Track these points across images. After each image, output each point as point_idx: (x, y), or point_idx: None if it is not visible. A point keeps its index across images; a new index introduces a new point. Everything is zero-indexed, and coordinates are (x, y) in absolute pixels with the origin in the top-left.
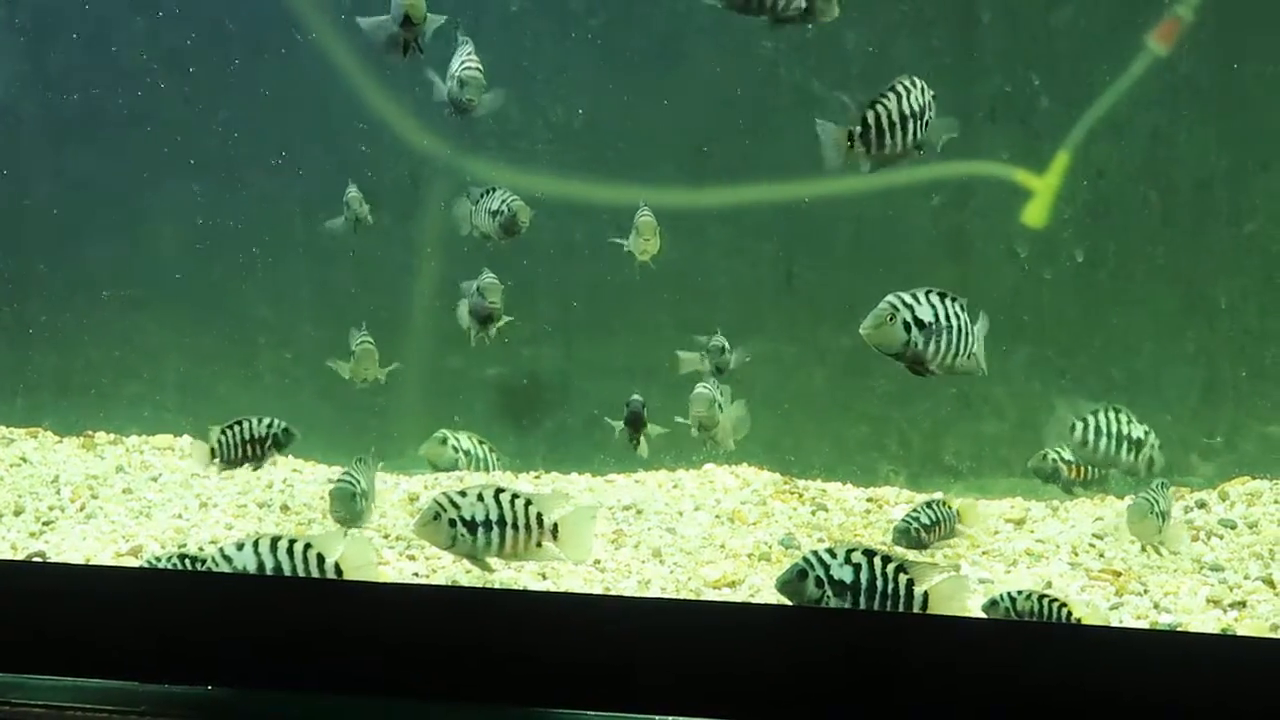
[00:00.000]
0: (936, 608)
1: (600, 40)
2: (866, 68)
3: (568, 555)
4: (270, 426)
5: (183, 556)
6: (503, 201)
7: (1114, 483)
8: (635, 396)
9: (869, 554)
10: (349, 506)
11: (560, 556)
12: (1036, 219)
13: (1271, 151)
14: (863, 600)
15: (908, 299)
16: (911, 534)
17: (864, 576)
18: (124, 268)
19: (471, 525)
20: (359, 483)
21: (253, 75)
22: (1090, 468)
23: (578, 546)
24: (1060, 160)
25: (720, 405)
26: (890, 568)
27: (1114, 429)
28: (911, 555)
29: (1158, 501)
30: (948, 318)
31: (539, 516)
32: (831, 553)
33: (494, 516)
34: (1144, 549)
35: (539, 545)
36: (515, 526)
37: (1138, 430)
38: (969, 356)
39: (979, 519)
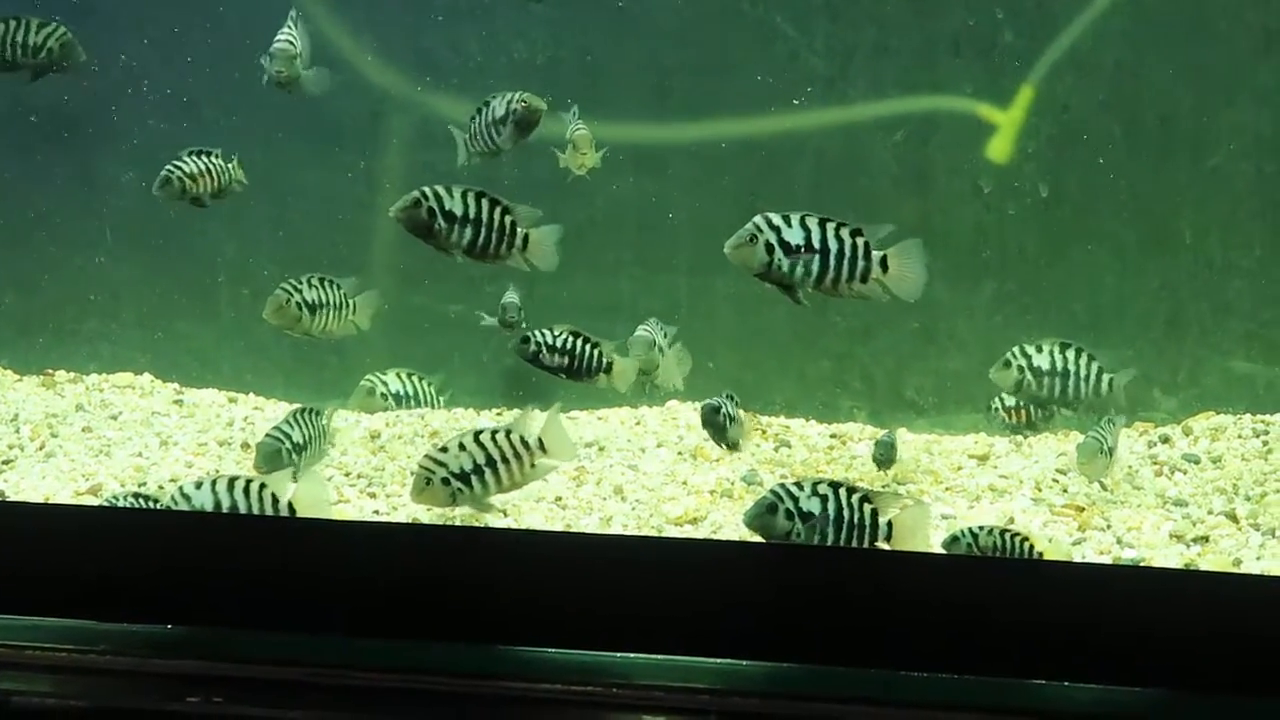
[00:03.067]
0: (900, 537)
1: None
2: (831, 2)
3: (559, 459)
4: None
5: (137, 496)
6: (507, 103)
7: (1075, 419)
8: (712, 402)
9: (834, 485)
10: (272, 462)
11: (555, 465)
12: (1000, 154)
13: (1236, 85)
14: (830, 531)
15: (776, 220)
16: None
17: (831, 507)
18: (81, 205)
19: (464, 476)
20: (288, 437)
21: (213, 11)
22: (1037, 408)
23: (565, 448)
24: (1024, 95)
25: (660, 348)
26: (855, 498)
27: (1057, 365)
28: (876, 486)
29: (1105, 439)
30: (824, 242)
31: (523, 440)
32: (799, 485)
33: (482, 460)
34: (1090, 483)
35: (533, 466)
36: (506, 459)
37: (1084, 364)
38: (859, 282)
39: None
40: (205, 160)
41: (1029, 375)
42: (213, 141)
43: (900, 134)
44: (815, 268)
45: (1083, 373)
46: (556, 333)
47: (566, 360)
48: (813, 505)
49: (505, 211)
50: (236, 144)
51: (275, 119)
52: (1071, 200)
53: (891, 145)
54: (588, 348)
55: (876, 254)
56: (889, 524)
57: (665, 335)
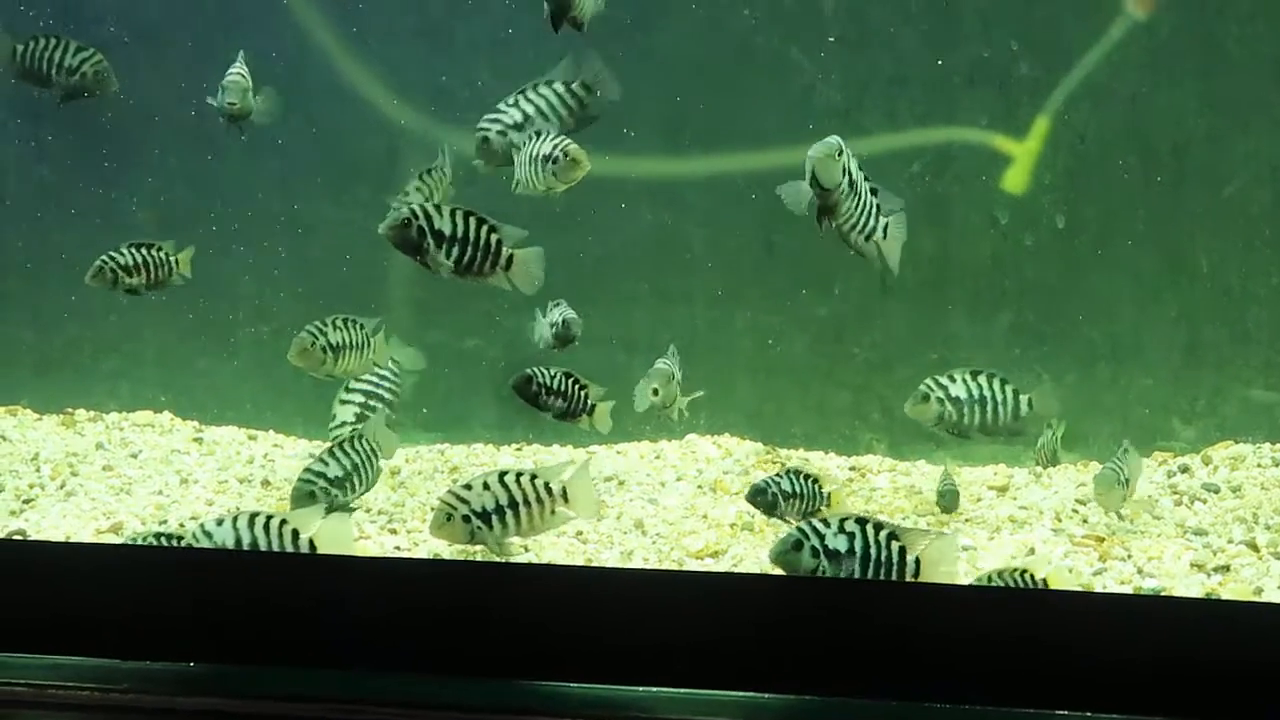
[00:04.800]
0: (929, 572)
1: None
2: (845, 34)
3: (581, 514)
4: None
5: (159, 535)
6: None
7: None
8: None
9: (861, 522)
10: (302, 505)
11: (574, 517)
12: (1016, 185)
13: (1251, 113)
14: (857, 569)
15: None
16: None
17: (858, 545)
18: (100, 243)
19: (485, 515)
20: (320, 477)
21: (228, 49)
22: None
23: (589, 503)
24: (1040, 125)
25: (679, 382)
26: (883, 535)
27: (974, 393)
28: (900, 521)
29: (1122, 469)
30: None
31: (546, 486)
32: (825, 522)
33: (504, 501)
34: (1107, 514)
35: (553, 514)
36: (528, 503)
37: (999, 389)
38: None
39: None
40: (144, 253)
41: (949, 406)
42: (234, 178)
43: (916, 165)
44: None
45: (999, 397)
46: (552, 374)
47: (561, 402)
48: (839, 543)
49: (492, 230)
50: (256, 181)
51: (294, 155)
52: (1088, 230)
53: (908, 177)
54: (578, 389)
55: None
56: (916, 560)
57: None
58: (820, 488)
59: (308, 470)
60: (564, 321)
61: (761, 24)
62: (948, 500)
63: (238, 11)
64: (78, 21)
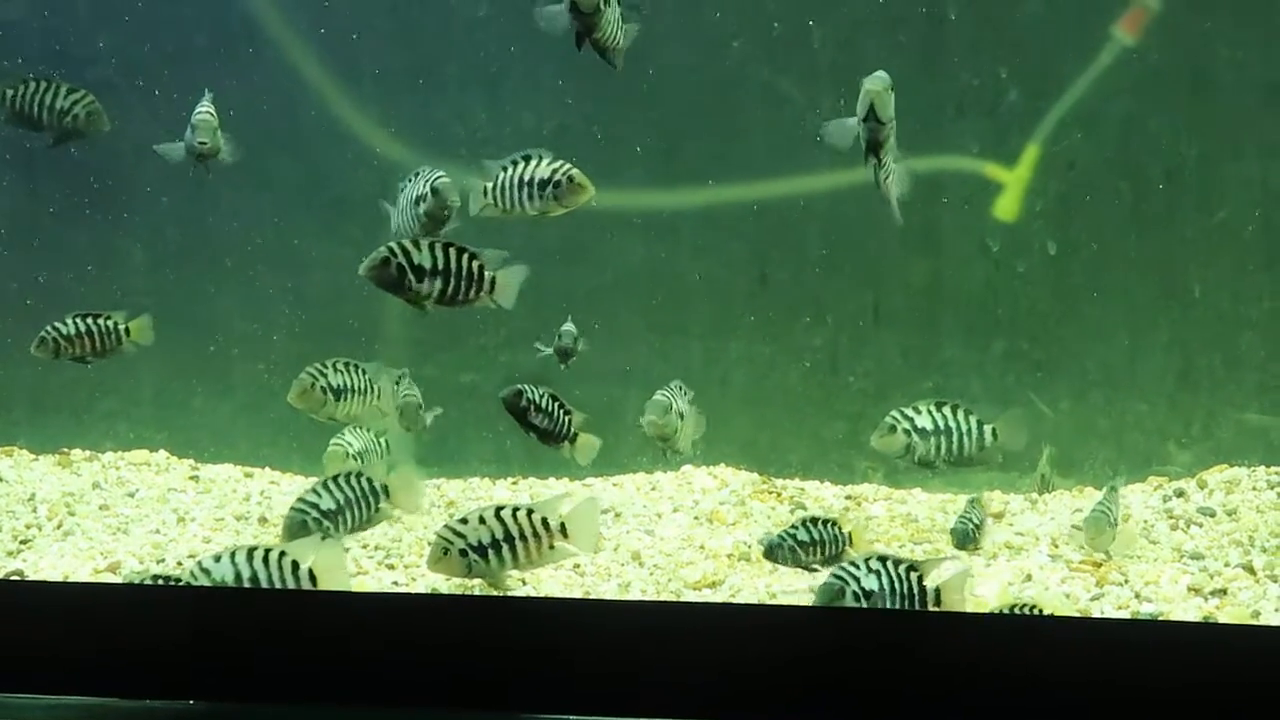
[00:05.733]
0: (948, 600)
1: (566, 43)
2: (834, 65)
3: (580, 549)
4: None
5: (155, 578)
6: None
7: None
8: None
9: (883, 560)
10: (295, 534)
11: (574, 553)
12: (1008, 212)
13: (1241, 138)
14: (888, 603)
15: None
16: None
17: (885, 582)
18: (94, 283)
19: (482, 549)
20: (314, 508)
21: (221, 88)
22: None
23: (587, 538)
24: (1030, 153)
25: (680, 413)
26: (903, 569)
27: (939, 424)
28: (899, 549)
29: (1110, 510)
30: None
31: (544, 521)
32: (854, 563)
33: (500, 535)
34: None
35: (551, 548)
36: (524, 537)
37: (963, 419)
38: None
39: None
40: (89, 322)
41: (915, 438)
42: (224, 215)
43: (908, 194)
44: None
45: (964, 427)
46: (541, 393)
47: (547, 423)
48: (871, 582)
49: (473, 258)
50: (247, 217)
51: (285, 192)
52: (1080, 257)
53: (899, 205)
54: (563, 414)
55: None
56: (936, 590)
57: (686, 397)
58: (839, 529)
59: (301, 500)
60: (560, 334)
61: (751, 55)
62: (974, 535)
63: (228, 50)
64: (69, 64)
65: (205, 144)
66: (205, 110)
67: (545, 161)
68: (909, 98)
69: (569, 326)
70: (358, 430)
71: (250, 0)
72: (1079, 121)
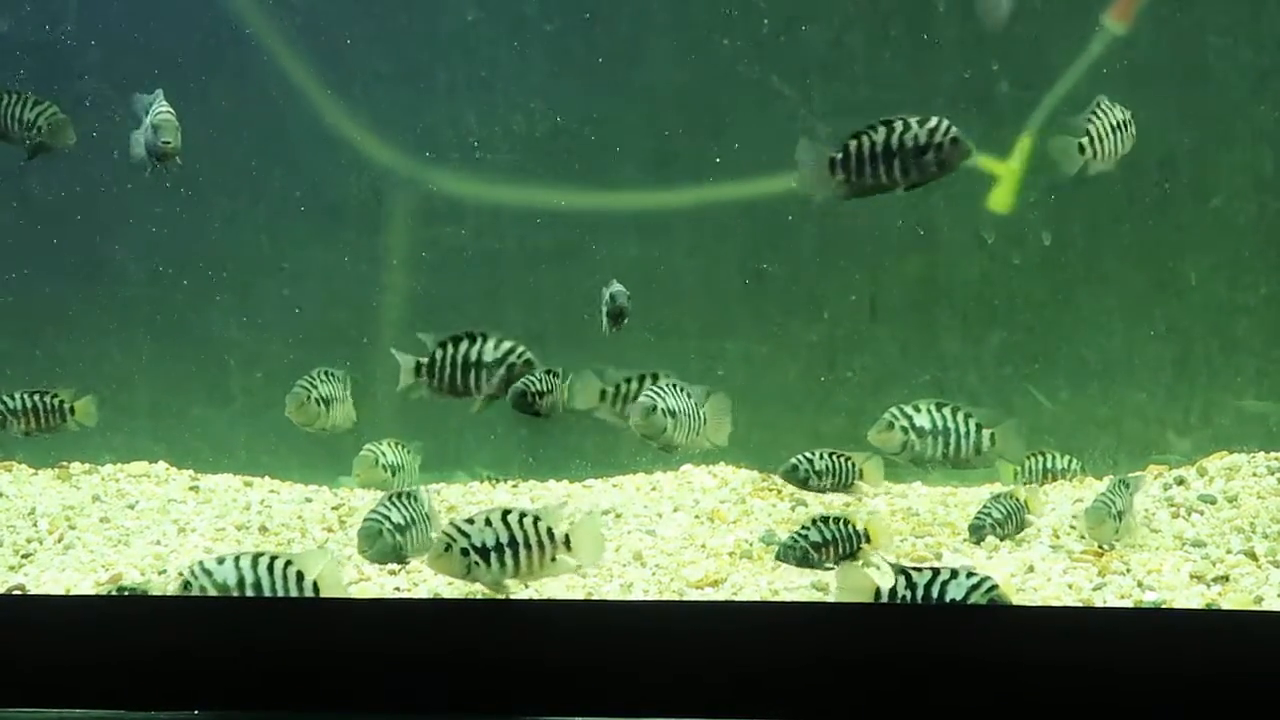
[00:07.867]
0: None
1: (558, 45)
2: (825, 60)
3: (582, 562)
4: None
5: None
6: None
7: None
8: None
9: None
10: (374, 544)
11: (576, 566)
12: (1002, 204)
13: (1233, 125)
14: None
15: None
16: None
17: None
18: (90, 296)
19: (484, 551)
20: (387, 519)
21: (211, 96)
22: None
23: (591, 552)
24: (1023, 144)
25: (672, 410)
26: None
27: (938, 424)
28: (900, 544)
29: (1114, 502)
30: None
31: (549, 531)
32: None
33: (504, 539)
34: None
35: (553, 560)
36: (528, 545)
37: (962, 421)
38: None
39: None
40: (36, 399)
41: (913, 436)
42: (214, 224)
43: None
44: None
45: (962, 429)
46: (537, 378)
47: (550, 400)
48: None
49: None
50: (240, 225)
51: (278, 199)
52: (1075, 247)
53: (894, 200)
54: (557, 381)
55: None
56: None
57: (689, 396)
58: (852, 526)
59: (374, 512)
60: (613, 295)
61: (742, 52)
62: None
63: (220, 56)
64: (60, 77)
65: (169, 143)
66: (165, 110)
67: (492, 343)
68: (902, 90)
69: (618, 286)
70: (387, 441)
71: (240, 7)
72: (1071, 112)
